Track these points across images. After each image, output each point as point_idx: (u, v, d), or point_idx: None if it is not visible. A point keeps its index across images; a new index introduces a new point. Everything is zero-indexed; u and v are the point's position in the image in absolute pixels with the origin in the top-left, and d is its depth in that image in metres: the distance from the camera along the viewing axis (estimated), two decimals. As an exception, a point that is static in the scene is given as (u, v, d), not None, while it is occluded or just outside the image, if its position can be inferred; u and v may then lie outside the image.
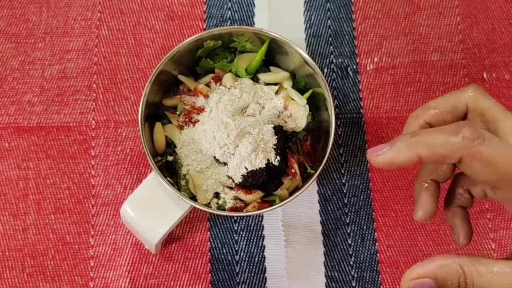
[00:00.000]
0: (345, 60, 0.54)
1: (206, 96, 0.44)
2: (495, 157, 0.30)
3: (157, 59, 0.53)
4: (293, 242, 0.50)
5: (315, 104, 0.46)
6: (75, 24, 0.54)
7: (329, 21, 0.56)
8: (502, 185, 0.31)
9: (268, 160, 0.42)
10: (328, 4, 0.56)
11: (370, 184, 0.51)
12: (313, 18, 0.56)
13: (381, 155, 0.32)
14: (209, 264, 0.49)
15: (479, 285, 0.30)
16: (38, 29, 0.54)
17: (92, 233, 0.49)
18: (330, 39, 0.55)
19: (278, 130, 0.43)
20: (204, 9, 0.55)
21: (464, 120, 0.35)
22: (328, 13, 0.56)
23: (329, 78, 0.54)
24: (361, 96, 0.54)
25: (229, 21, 0.55)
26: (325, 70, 0.54)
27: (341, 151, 0.52)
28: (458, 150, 0.30)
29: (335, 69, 0.54)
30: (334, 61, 0.54)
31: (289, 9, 0.56)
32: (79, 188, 0.50)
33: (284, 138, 0.43)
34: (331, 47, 0.55)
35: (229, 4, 0.55)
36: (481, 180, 0.32)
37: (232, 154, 0.42)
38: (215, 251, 0.49)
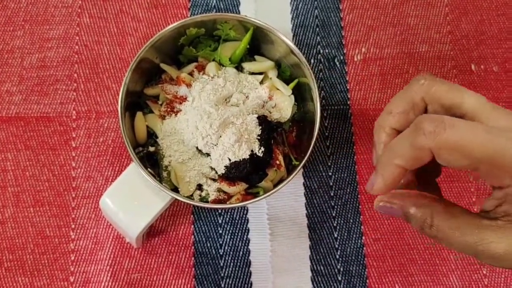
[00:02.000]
0: (332, 51, 0.54)
1: (189, 85, 0.43)
2: (460, 142, 0.29)
3: (140, 48, 0.51)
4: (278, 235, 0.49)
5: (300, 94, 0.45)
6: (55, 11, 0.53)
7: (316, 10, 0.55)
8: (478, 167, 0.30)
9: (252, 151, 0.41)
10: (315, -6, 0.55)
11: (357, 177, 0.51)
12: (300, 7, 0.55)
13: (376, 189, 0.32)
14: (193, 258, 0.48)
15: (443, 233, 0.30)
16: (17, 16, 0.52)
17: (73, 226, 0.48)
18: (317, 29, 0.54)
19: (262, 120, 0.42)
20: (189, -2, 0.54)
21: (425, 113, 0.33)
22: (316, 2, 0.55)
23: (316, 69, 0.53)
24: (348, 87, 0.53)
25: (214, 10, 0.54)
26: (312, 61, 0.53)
27: (327, 143, 0.51)
28: (425, 148, 0.29)
29: (322, 60, 0.53)
30: (321, 51, 0.54)
31: (275, -2, 0.55)
32: (59, 180, 0.49)
33: (269, 129, 0.43)
34: (318, 37, 0.54)
35: (214, -8, 0.54)
36: (457, 167, 0.30)
37: (215, 145, 0.41)
38: (199, 244, 0.48)
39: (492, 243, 0.29)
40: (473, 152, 0.28)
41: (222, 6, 0.54)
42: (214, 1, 0.54)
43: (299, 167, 0.41)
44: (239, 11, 0.54)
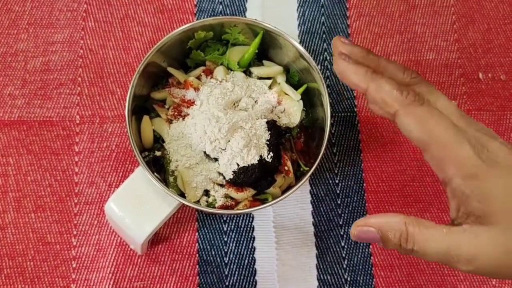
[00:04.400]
0: (339, 58, 0.53)
1: (197, 89, 0.43)
2: (426, 117, 0.32)
3: (145, 53, 0.50)
4: (284, 244, 0.48)
5: (309, 100, 0.45)
6: (60, 15, 0.52)
7: (323, 17, 0.54)
8: (432, 148, 0.32)
9: (260, 156, 0.41)
10: (322, 1, 0.55)
11: (364, 184, 0.50)
12: (306, 14, 0.54)
13: (342, 61, 0.34)
14: (197, 266, 0.47)
15: (418, 244, 0.31)
16: (21, 19, 0.52)
17: (75, 232, 0.47)
18: (324, 36, 0.54)
19: (272, 125, 0.41)
20: (195, 3, 0.54)
21: None
22: (322, 9, 0.54)
23: (323, 76, 0.52)
24: (355, 94, 0.52)
25: (220, 16, 0.53)
26: (319, 67, 0.52)
27: (334, 150, 0.51)
28: (398, 101, 0.32)
29: (328, 67, 0.53)
30: (328, 58, 0.53)
31: (282, 5, 0.54)
32: (61, 185, 0.48)
33: (278, 134, 0.42)
34: (324, 44, 0.54)
35: (221, -2, 0.54)
36: (413, 138, 0.33)
37: (223, 150, 0.40)
38: (203, 252, 0.47)
39: (463, 246, 0.30)
40: (433, 131, 0.31)
41: (228, 12, 0.54)
42: (221, 7, 0.54)
43: (309, 173, 0.40)
44: (245, 16, 0.54)
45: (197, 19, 0.53)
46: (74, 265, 0.46)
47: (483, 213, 0.30)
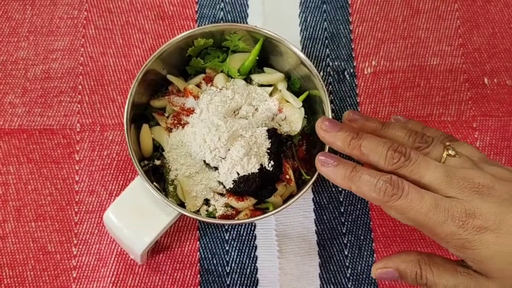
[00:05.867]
0: (342, 64, 0.52)
1: (197, 97, 0.42)
2: (407, 209, 0.34)
3: (146, 60, 0.50)
4: (287, 252, 0.47)
5: (311, 107, 0.44)
6: (60, 23, 0.52)
7: (325, 23, 0.54)
8: (420, 229, 0.35)
9: (261, 165, 0.40)
10: (325, 6, 0.54)
11: (368, 192, 0.49)
12: (308, 20, 0.54)
13: (326, 167, 0.37)
14: (199, 276, 0.46)
15: (430, 281, 0.35)
16: (21, 27, 0.51)
17: (75, 242, 0.47)
18: (327, 41, 0.53)
19: (272, 133, 0.41)
20: (196, 9, 0.53)
21: None
22: (324, 14, 0.54)
23: (325, 82, 0.52)
24: (358, 100, 0.52)
25: (222, 22, 0.53)
26: (321, 74, 0.52)
27: (337, 158, 0.50)
28: (377, 200, 0.35)
29: (331, 73, 0.52)
30: (331, 64, 0.52)
31: (284, 10, 0.54)
32: (62, 194, 0.48)
33: (278, 142, 0.41)
34: (327, 50, 0.53)
35: (222, 4, 0.53)
36: (402, 221, 0.36)
37: (223, 158, 0.40)
38: (205, 261, 0.47)
39: (470, 287, 0.34)
40: (416, 219, 0.34)
41: (230, 18, 0.53)
42: (222, 13, 0.53)
43: (311, 182, 0.39)
44: (247, 23, 0.53)
45: (198, 26, 0.53)
46: (74, 275, 0.46)
47: (480, 270, 0.34)
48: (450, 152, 0.37)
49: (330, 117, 0.41)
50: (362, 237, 0.48)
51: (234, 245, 0.47)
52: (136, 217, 0.39)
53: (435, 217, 0.33)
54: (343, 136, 0.37)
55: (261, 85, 0.44)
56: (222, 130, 0.39)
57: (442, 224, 0.33)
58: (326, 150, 0.40)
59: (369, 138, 0.37)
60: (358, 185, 0.35)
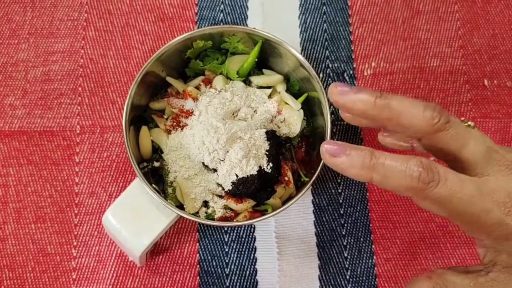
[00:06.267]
0: (342, 65, 0.52)
1: (196, 99, 0.42)
2: (447, 198, 0.29)
3: (146, 61, 0.51)
4: (286, 254, 0.47)
5: (310, 109, 0.44)
6: (60, 25, 0.52)
7: (325, 24, 0.54)
8: (458, 221, 0.30)
9: (260, 167, 0.40)
10: (324, 8, 0.54)
11: (367, 194, 0.49)
12: (308, 21, 0.54)
13: (338, 157, 0.31)
14: (198, 277, 0.46)
15: None
16: (21, 29, 0.52)
17: (75, 243, 0.47)
18: (326, 43, 0.53)
19: (271, 135, 0.41)
20: (196, 11, 0.53)
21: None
22: (324, 16, 0.54)
23: (325, 83, 0.52)
24: (358, 102, 0.52)
25: (222, 24, 0.53)
26: (321, 75, 0.52)
27: (337, 159, 0.50)
28: (411, 190, 0.29)
29: (331, 74, 0.52)
30: (330, 65, 0.52)
31: (283, 12, 0.54)
32: (62, 196, 0.48)
33: (277, 144, 0.41)
34: (327, 52, 0.53)
35: (222, 6, 0.53)
36: (434, 213, 0.31)
37: (222, 160, 0.40)
38: (204, 263, 0.47)
39: None
40: (458, 209, 0.29)
41: (229, 20, 0.53)
42: (221, 15, 0.53)
43: (309, 184, 0.39)
44: (246, 25, 0.53)
45: (198, 27, 0.53)
46: (74, 276, 0.46)
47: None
48: (470, 123, 0.32)
49: (329, 125, 0.40)
50: (361, 239, 0.48)
51: (234, 247, 0.47)
52: (135, 219, 0.39)
53: (480, 204, 0.28)
54: (366, 97, 0.31)
55: (260, 87, 0.44)
56: (221, 132, 0.39)
57: (489, 213, 0.28)
58: (328, 138, 0.38)
59: (398, 96, 0.31)
60: (383, 174, 0.29)
